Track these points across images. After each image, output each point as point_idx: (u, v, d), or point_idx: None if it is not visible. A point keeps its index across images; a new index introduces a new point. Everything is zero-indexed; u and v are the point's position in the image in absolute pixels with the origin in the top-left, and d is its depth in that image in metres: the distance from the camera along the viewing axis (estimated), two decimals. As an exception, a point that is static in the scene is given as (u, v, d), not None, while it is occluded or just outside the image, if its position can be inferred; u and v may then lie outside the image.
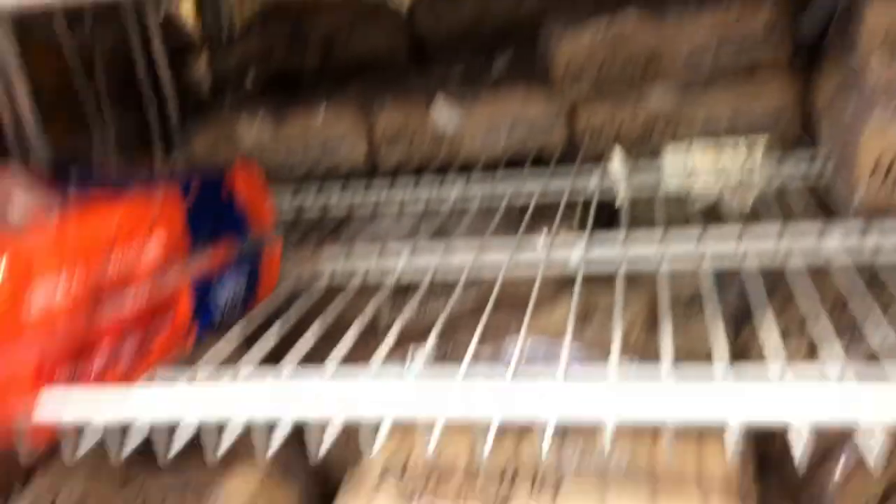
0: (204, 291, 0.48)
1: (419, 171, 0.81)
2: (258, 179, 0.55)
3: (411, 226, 0.75)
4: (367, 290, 0.57)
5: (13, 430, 0.39)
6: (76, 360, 0.40)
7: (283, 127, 0.83)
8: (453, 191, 0.77)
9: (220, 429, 0.41)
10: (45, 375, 0.38)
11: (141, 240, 0.44)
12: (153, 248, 0.45)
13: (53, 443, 0.41)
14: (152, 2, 0.92)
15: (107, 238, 0.42)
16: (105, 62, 0.85)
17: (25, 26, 0.74)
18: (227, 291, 0.50)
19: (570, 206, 0.69)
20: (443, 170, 0.80)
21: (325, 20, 0.94)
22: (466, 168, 0.79)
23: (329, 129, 0.83)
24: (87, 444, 0.42)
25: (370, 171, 0.83)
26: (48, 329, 0.38)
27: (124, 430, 0.41)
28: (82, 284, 0.40)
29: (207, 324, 0.48)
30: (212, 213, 0.49)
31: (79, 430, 0.41)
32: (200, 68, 1.03)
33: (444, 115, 0.76)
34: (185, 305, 0.47)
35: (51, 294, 0.39)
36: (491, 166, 0.79)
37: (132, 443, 0.41)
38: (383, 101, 0.82)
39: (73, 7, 0.76)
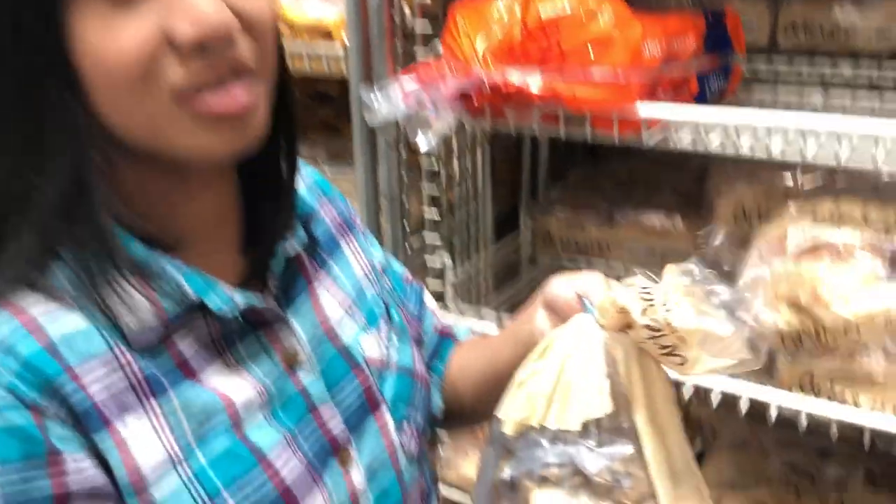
0: (703, 79, 0.77)
1: (811, 53, 1.04)
2: (739, 19, 0.83)
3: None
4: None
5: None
6: (653, 91, 0.71)
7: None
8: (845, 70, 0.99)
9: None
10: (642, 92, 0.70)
11: (682, 38, 0.74)
12: (686, 45, 0.75)
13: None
14: None
15: (671, 31, 0.72)
16: None
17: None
18: (715, 83, 0.78)
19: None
20: (832, 55, 1.02)
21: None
22: (855, 55, 1.01)
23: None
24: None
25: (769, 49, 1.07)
26: (648, 66, 0.69)
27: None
28: (661, 51, 0.71)
29: (703, 99, 0.78)
30: (715, 33, 0.78)
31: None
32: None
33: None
34: (693, 85, 0.76)
35: (650, 51, 0.70)
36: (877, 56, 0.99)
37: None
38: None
39: None
